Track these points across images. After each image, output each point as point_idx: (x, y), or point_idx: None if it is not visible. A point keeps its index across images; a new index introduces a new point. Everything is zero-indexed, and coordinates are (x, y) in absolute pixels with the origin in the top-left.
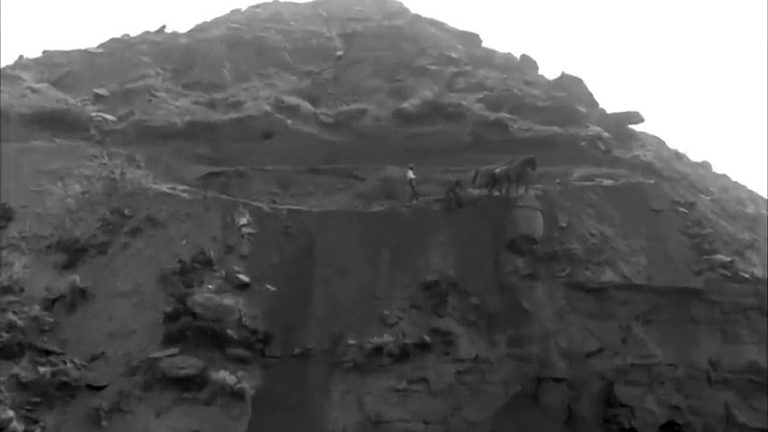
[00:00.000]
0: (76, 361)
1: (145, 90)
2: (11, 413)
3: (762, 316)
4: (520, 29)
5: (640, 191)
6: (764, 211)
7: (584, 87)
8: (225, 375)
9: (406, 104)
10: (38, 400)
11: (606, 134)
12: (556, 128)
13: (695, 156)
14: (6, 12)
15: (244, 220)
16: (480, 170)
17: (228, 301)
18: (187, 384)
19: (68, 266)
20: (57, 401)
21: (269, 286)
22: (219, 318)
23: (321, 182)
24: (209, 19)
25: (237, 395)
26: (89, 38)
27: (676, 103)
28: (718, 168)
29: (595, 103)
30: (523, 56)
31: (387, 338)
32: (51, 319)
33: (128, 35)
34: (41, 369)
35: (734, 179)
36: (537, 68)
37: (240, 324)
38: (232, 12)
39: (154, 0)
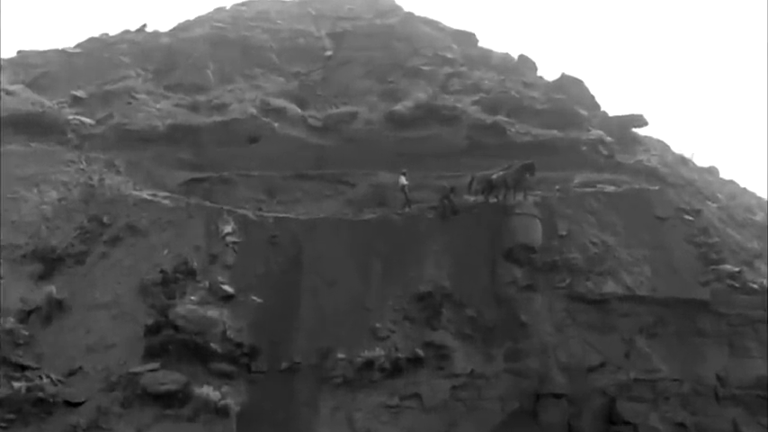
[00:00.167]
0: (53, 376)
1: (124, 92)
2: None
3: None
4: (518, 28)
5: (644, 198)
6: None
7: (586, 89)
8: (208, 391)
9: (398, 107)
10: (12, 417)
11: (608, 138)
12: (555, 131)
13: (702, 161)
14: None
15: (228, 229)
16: (476, 176)
17: (212, 313)
18: (169, 400)
19: (44, 277)
20: (32, 418)
21: (254, 298)
22: (203, 331)
23: (309, 188)
24: (191, 17)
25: (221, 412)
26: (66, 37)
27: (682, 106)
28: (725, 174)
29: (597, 106)
30: (521, 56)
31: (378, 352)
32: (26, 333)
33: (107, 34)
34: (16, 384)
35: (742, 185)
36: (536, 69)
37: (224, 337)
38: (216, 10)
39: None
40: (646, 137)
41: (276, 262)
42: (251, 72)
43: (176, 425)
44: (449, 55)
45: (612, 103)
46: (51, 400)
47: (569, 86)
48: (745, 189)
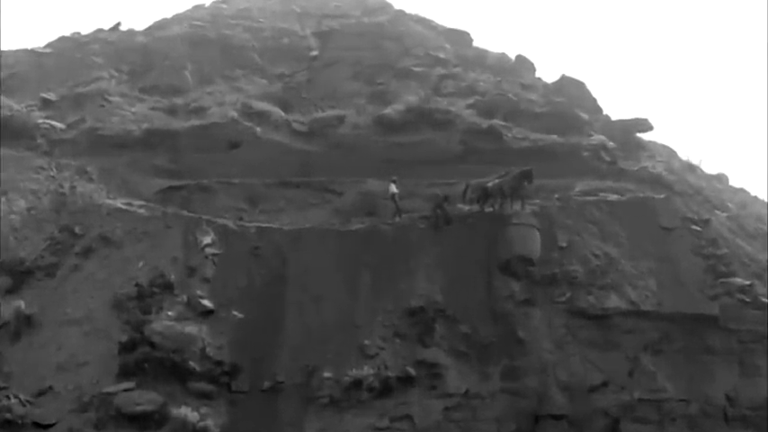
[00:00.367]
0: (21, 396)
1: (97, 94)
2: None
3: None
4: (515, 27)
5: (649, 207)
6: None
7: (587, 91)
8: (186, 412)
9: (388, 110)
10: None
11: (611, 143)
12: (555, 136)
13: (710, 167)
14: None
15: (207, 240)
16: (471, 183)
17: (190, 329)
18: (145, 422)
19: (12, 291)
20: None
21: (235, 313)
22: (180, 348)
23: (294, 197)
24: (168, 15)
25: None
26: (36, 36)
27: (689, 109)
28: (735, 182)
29: (599, 109)
30: (519, 56)
31: (367, 371)
32: None
33: (79, 33)
34: None
35: (753, 194)
36: (534, 70)
37: (203, 355)
38: (194, 7)
39: None
40: (651, 142)
41: (259, 275)
42: (232, 73)
43: None
44: (442, 55)
45: (615, 107)
46: (20, 421)
47: (570, 88)
48: (756, 198)
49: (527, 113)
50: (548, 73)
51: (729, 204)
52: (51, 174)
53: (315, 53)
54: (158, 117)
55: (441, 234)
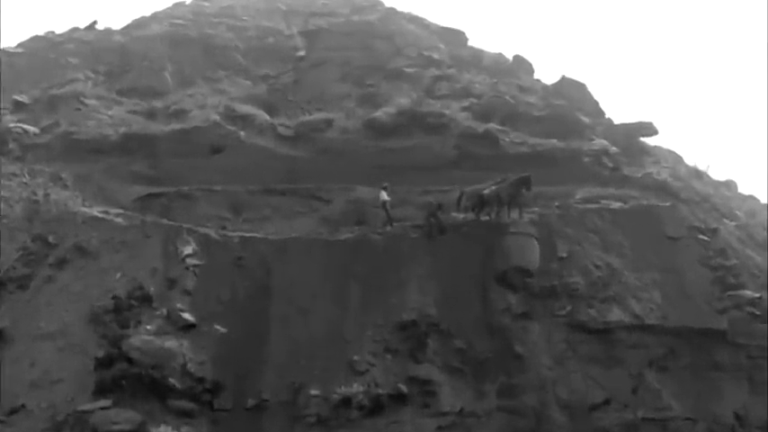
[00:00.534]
0: None
1: (72, 97)
2: None
3: None
4: (512, 26)
5: (654, 215)
6: None
7: (588, 94)
8: (166, 431)
9: (378, 114)
10: None
11: (613, 148)
12: (555, 141)
13: (718, 174)
14: None
15: (188, 250)
16: (466, 191)
17: (171, 344)
18: None
19: None
20: None
21: (218, 327)
22: (160, 364)
23: (279, 204)
24: (147, 13)
25: None
26: (7, 36)
27: (696, 113)
28: (744, 189)
29: (601, 113)
30: (517, 57)
31: (356, 388)
32: None
33: (53, 32)
34: None
35: (763, 201)
36: (533, 72)
37: (184, 371)
38: (175, 5)
39: None
40: (655, 147)
41: (242, 287)
42: (214, 75)
43: None
44: (435, 55)
45: (618, 110)
46: None
47: (570, 91)
48: (766, 205)
49: (525, 117)
50: (547, 74)
51: (738, 213)
52: (24, 180)
53: (301, 53)
54: (136, 121)
55: (434, 244)
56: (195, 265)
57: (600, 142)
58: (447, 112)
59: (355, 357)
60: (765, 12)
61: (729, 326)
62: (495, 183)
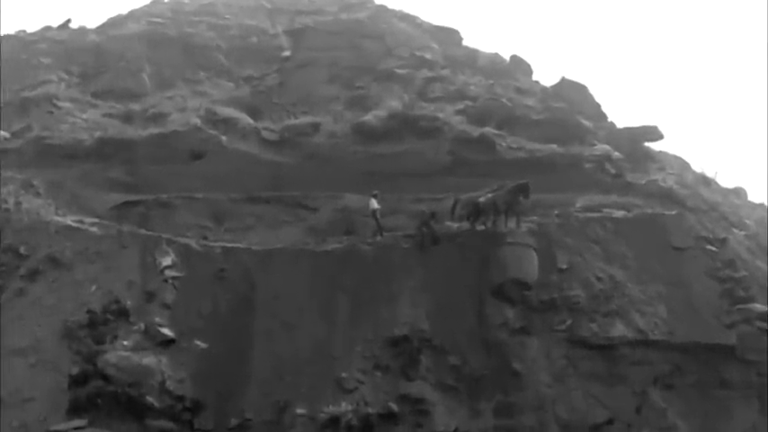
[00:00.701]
0: None
1: (45, 100)
2: None
3: None
4: (509, 25)
5: (659, 224)
6: None
7: (590, 96)
8: None
9: (368, 117)
10: None
11: (616, 154)
12: (554, 146)
13: (727, 181)
14: None
15: (167, 261)
16: (461, 199)
17: (148, 360)
18: None
19: None
20: None
21: (198, 342)
22: (137, 381)
23: (263, 213)
24: (124, 11)
25: None
26: None
27: (704, 116)
28: (754, 196)
29: (603, 116)
30: (514, 57)
31: (344, 407)
32: None
33: (24, 32)
34: None
35: None
36: (531, 73)
37: (163, 389)
38: (153, 3)
39: None
40: (661, 152)
41: (224, 300)
42: (194, 76)
43: None
44: (428, 56)
45: (622, 113)
46: None
47: (570, 93)
48: None
49: (523, 120)
50: (546, 75)
51: (748, 221)
52: None
53: (287, 53)
54: (113, 125)
55: (427, 255)
56: (174, 278)
57: (602, 147)
58: (440, 115)
59: (343, 374)
60: None
61: (738, 341)
62: (492, 190)
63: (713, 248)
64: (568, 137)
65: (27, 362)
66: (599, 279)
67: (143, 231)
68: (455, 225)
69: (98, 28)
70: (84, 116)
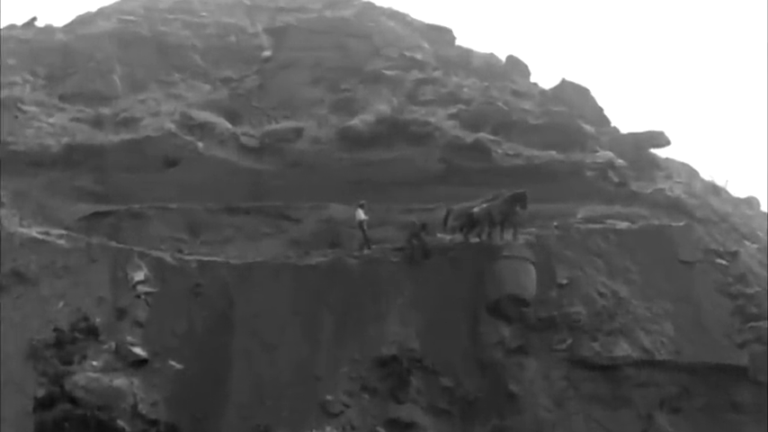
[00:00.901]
0: None
1: (9, 103)
2: None
3: None
4: (506, 23)
5: (666, 236)
6: None
7: (592, 99)
8: None
9: (354, 122)
10: None
11: (620, 161)
12: (553, 153)
13: (738, 190)
14: None
15: (140, 276)
16: (454, 209)
17: (119, 382)
18: None
19: None
20: None
21: (173, 363)
22: (107, 404)
23: (243, 224)
24: (93, 9)
25: None
26: None
27: (714, 121)
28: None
29: (606, 121)
30: (511, 58)
31: (329, 431)
32: None
33: None
34: None
35: None
36: (529, 74)
37: (135, 413)
38: None
39: None
40: (667, 160)
41: (200, 318)
42: (168, 78)
43: None
44: (418, 56)
45: (626, 118)
46: None
47: (571, 96)
48: None
49: (520, 125)
50: (545, 77)
51: (761, 233)
52: None
53: (267, 54)
54: (81, 130)
55: (417, 269)
56: (147, 293)
57: (605, 154)
58: (432, 119)
59: (328, 397)
60: None
61: (750, 362)
62: (487, 200)
63: (723, 262)
64: (569, 143)
65: None
66: (601, 295)
67: (114, 244)
68: (447, 237)
69: (66, 26)
70: (51, 121)
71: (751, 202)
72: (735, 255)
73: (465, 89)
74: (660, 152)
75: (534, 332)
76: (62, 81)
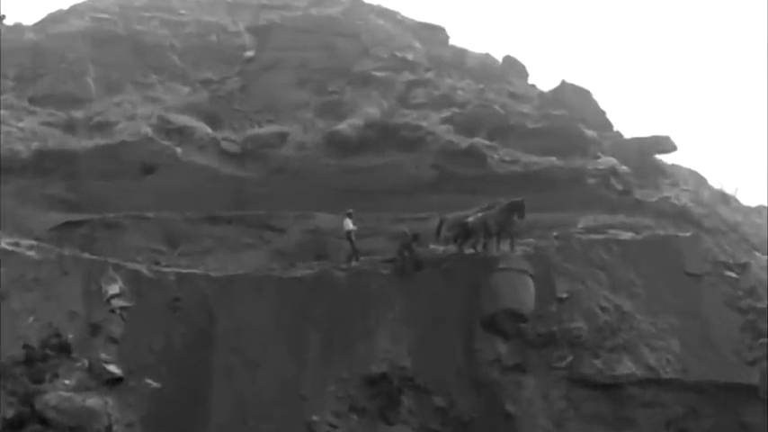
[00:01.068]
0: None
1: None
2: None
3: None
4: (503, 22)
5: (672, 248)
6: None
7: (593, 102)
8: None
9: (342, 126)
10: None
11: (623, 168)
12: (553, 159)
13: (748, 198)
14: None
15: (115, 289)
16: (447, 218)
17: (93, 401)
18: None
19: None
20: None
21: (150, 381)
22: (80, 425)
23: (224, 235)
24: (65, 6)
25: None
26: None
27: (722, 126)
28: None
29: (609, 125)
30: (507, 58)
31: None
32: None
33: None
34: None
35: None
36: (527, 76)
37: None
38: None
39: None
40: (673, 166)
41: (179, 334)
42: (145, 79)
43: None
44: (410, 56)
45: (629, 122)
46: None
47: (572, 98)
48: None
49: (518, 130)
50: (544, 79)
51: None
52: None
53: (250, 54)
54: (53, 134)
55: (409, 282)
56: (122, 308)
57: (607, 160)
58: (424, 124)
59: (314, 417)
60: None
61: (761, 380)
62: (482, 209)
63: (733, 275)
64: (569, 148)
65: None
66: (604, 310)
67: (87, 255)
68: (441, 248)
69: (36, 25)
70: (21, 125)
71: (762, 212)
72: (745, 267)
73: (459, 91)
74: (666, 158)
75: (532, 349)
76: (32, 83)
